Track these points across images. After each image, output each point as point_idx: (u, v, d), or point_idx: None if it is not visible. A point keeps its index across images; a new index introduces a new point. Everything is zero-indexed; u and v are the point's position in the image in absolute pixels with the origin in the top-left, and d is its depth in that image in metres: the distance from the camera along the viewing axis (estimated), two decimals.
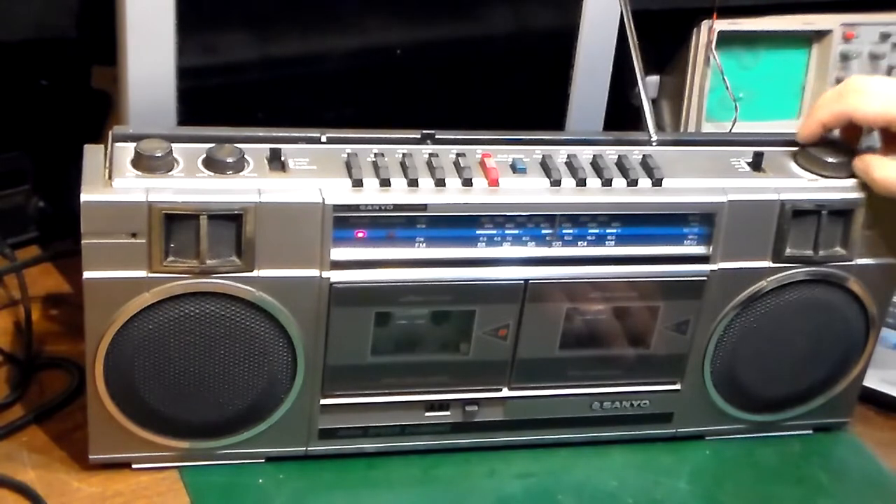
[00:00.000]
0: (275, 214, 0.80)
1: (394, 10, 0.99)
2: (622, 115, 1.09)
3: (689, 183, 0.88)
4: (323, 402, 0.88)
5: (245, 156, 0.82)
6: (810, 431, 1.00)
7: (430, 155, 0.85)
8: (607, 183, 0.86)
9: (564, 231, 0.86)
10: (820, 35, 1.21)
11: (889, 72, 1.23)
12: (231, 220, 0.80)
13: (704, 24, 1.15)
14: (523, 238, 0.85)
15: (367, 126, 0.87)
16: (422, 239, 0.84)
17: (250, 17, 0.95)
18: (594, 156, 0.88)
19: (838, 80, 1.21)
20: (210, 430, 0.87)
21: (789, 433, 0.99)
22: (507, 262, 0.86)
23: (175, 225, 0.79)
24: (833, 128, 0.92)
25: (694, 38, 1.17)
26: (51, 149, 1.11)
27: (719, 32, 1.15)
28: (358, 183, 0.82)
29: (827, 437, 1.01)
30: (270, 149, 0.83)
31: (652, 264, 0.88)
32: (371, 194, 0.82)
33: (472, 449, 0.94)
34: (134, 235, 0.79)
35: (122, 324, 0.81)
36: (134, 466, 0.88)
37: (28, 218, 1.15)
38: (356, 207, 0.82)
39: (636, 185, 0.87)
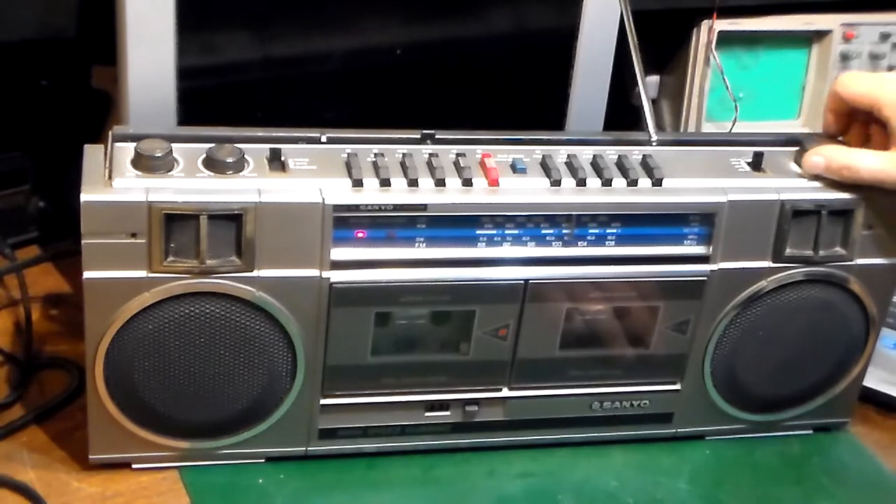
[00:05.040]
0: (275, 214, 0.80)
1: (394, 10, 0.99)
2: (622, 115, 1.09)
3: (689, 183, 0.88)
4: (323, 402, 0.88)
5: (245, 156, 0.82)
6: (810, 431, 1.00)
7: (430, 155, 0.85)
8: (607, 183, 0.86)
9: (564, 231, 0.86)
10: (820, 35, 1.21)
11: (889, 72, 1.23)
12: (231, 220, 0.80)
13: (704, 24, 1.15)
14: (523, 238, 0.85)
15: (367, 126, 0.87)
16: (422, 239, 0.84)
17: (250, 17, 0.95)
18: (594, 156, 0.88)
19: None
20: (210, 430, 0.87)
21: (789, 433, 0.99)
22: (507, 262, 0.86)
23: (175, 225, 0.79)
24: (838, 112, 0.92)
25: (694, 38, 1.16)
26: (51, 149, 1.11)
27: (719, 32, 1.15)
28: (358, 183, 0.82)
29: (827, 437, 1.00)
30: (270, 149, 0.83)
31: (652, 264, 0.88)
32: (371, 194, 0.82)
33: (472, 449, 0.93)
34: (134, 235, 0.79)
35: (122, 324, 0.81)
36: (134, 466, 0.88)
37: (28, 218, 1.15)
38: (356, 207, 0.82)
39: (636, 185, 0.87)
